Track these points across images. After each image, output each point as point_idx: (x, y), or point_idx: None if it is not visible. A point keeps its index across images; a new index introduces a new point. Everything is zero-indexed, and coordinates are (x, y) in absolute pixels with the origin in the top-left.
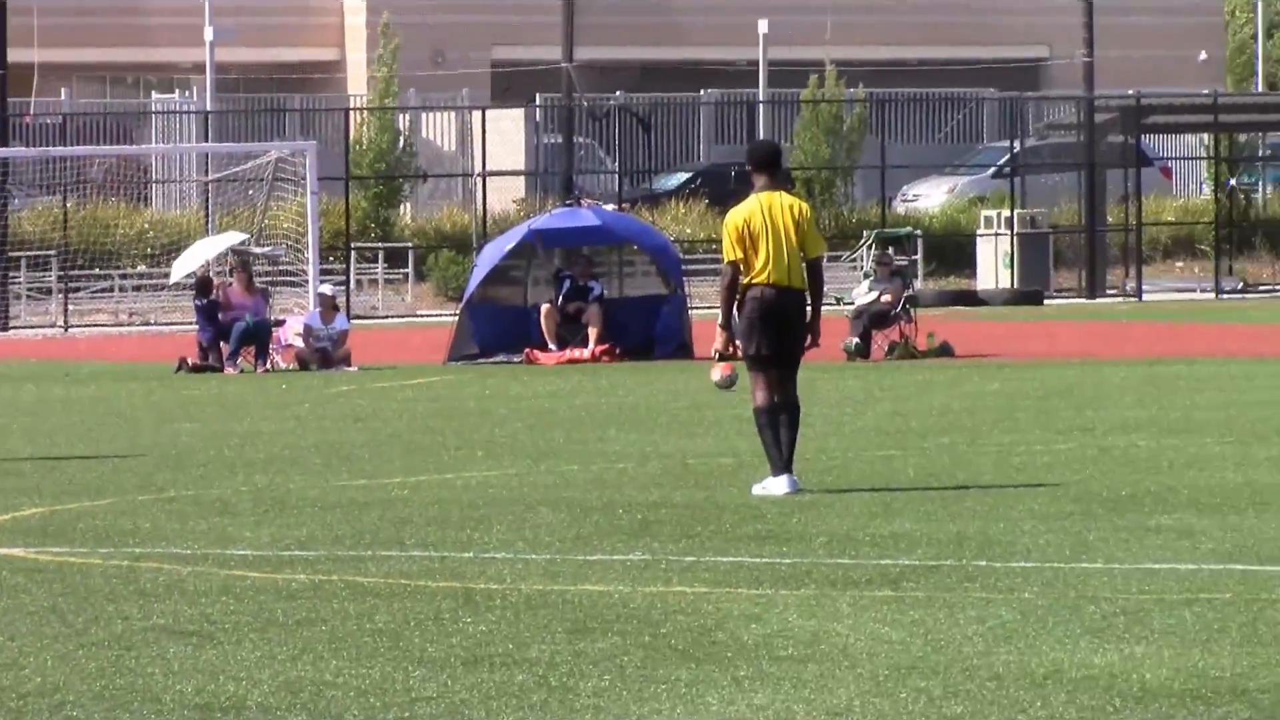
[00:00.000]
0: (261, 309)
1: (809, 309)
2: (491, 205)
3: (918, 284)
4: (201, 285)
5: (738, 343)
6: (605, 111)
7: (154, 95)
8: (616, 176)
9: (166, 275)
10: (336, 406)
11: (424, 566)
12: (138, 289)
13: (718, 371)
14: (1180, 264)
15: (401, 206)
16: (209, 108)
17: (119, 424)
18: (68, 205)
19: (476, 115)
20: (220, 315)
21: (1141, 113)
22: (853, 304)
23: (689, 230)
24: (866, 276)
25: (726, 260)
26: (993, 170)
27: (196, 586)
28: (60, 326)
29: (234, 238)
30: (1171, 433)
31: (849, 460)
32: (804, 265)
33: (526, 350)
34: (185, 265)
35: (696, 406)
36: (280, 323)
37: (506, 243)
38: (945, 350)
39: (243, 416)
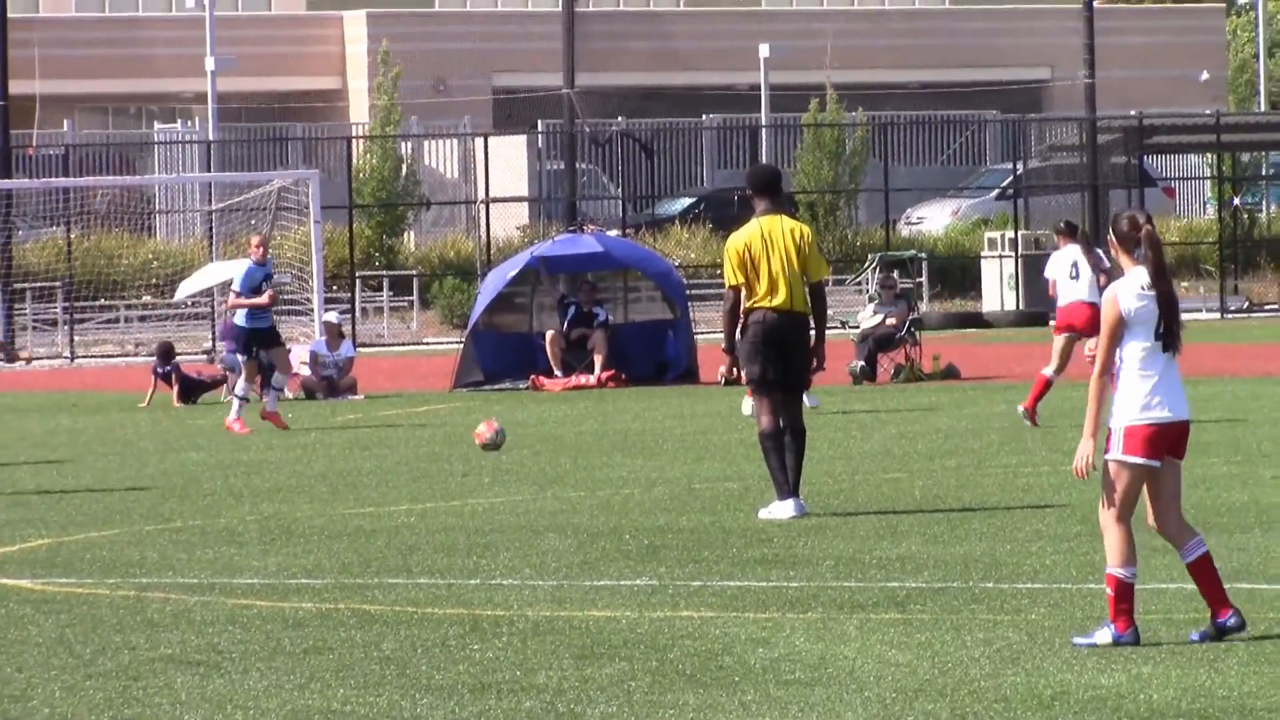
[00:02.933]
0: None
1: (812, 332)
2: (495, 232)
3: (923, 306)
4: (164, 352)
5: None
6: (607, 137)
7: (156, 125)
8: (620, 202)
9: (171, 306)
10: (342, 434)
11: (431, 594)
12: (143, 319)
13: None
14: (1185, 284)
15: (405, 234)
16: (211, 137)
17: (125, 454)
18: (71, 236)
19: (478, 142)
20: (225, 344)
21: (1144, 133)
22: (858, 327)
23: (693, 255)
24: (871, 299)
25: (728, 285)
26: (996, 192)
27: (203, 616)
28: (67, 357)
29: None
30: None
31: (855, 483)
32: (807, 289)
33: (532, 377)
34: (193, 285)
35: (702, 431)
36: (286, 351)
37: (510, 269)
38: (951, 372)
39: (248, 445)
